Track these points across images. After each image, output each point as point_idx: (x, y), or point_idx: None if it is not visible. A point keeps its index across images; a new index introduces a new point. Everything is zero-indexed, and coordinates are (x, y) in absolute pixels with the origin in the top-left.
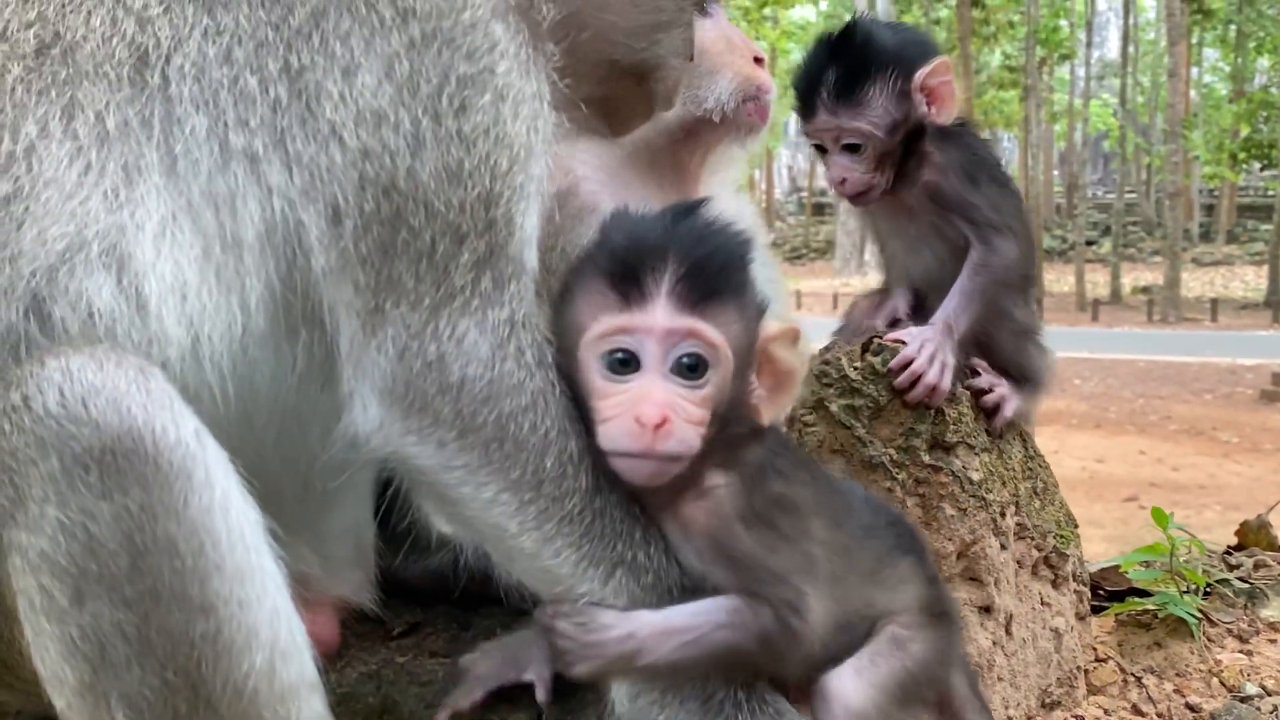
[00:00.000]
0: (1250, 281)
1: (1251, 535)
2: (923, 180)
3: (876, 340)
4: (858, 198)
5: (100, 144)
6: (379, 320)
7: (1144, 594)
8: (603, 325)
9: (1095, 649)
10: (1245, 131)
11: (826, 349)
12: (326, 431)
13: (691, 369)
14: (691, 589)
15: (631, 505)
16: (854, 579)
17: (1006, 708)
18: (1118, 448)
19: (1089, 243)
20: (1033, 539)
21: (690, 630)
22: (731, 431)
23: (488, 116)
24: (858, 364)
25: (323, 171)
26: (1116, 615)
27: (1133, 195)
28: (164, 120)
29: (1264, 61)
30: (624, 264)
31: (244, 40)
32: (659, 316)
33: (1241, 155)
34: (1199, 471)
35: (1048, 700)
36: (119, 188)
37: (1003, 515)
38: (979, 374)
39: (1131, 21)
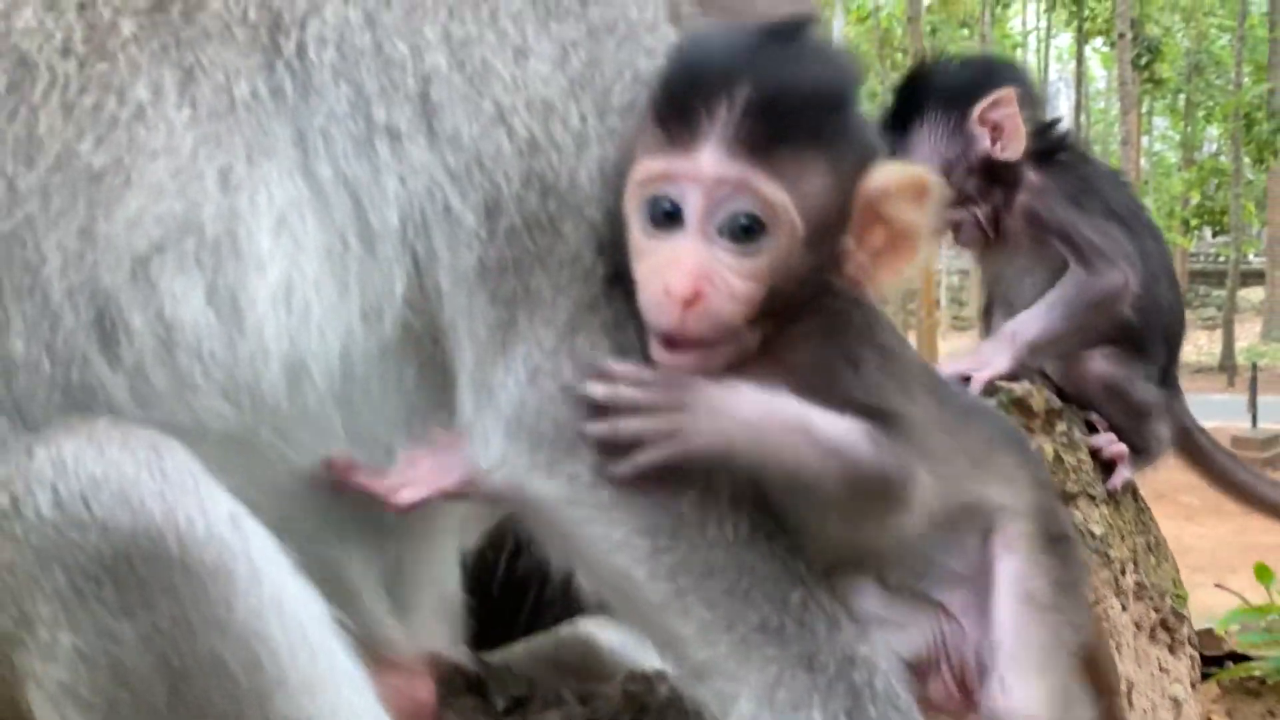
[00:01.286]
0: (1203, 346)
1: None
2: (1020, 207)
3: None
4: (954, 239)
5: (222, 114)
6: (511, 337)
7: (1243, 658)
8: (644, 168)
9: (1210, 717)
10: (1196, 199)
11: None
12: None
13: (745, 231)
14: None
15: (795, 561)
16: (961, 462)
17: None
18: None
19: None
20: (1151, 599)
21: (823, 432)
22: (811, 305)
23: None
24: None
25: (486, 158)
26: (1220, 681)
27: None
28: (299, 90)
29: (1213, 130)
30: (677, 91)
31: (392, 3)
32: (705, 161)
33: (1193, 222)
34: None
35: None
36: (236, 166)
37: (1123, 573)
38: (1097, 430)
39: (1083, 91)
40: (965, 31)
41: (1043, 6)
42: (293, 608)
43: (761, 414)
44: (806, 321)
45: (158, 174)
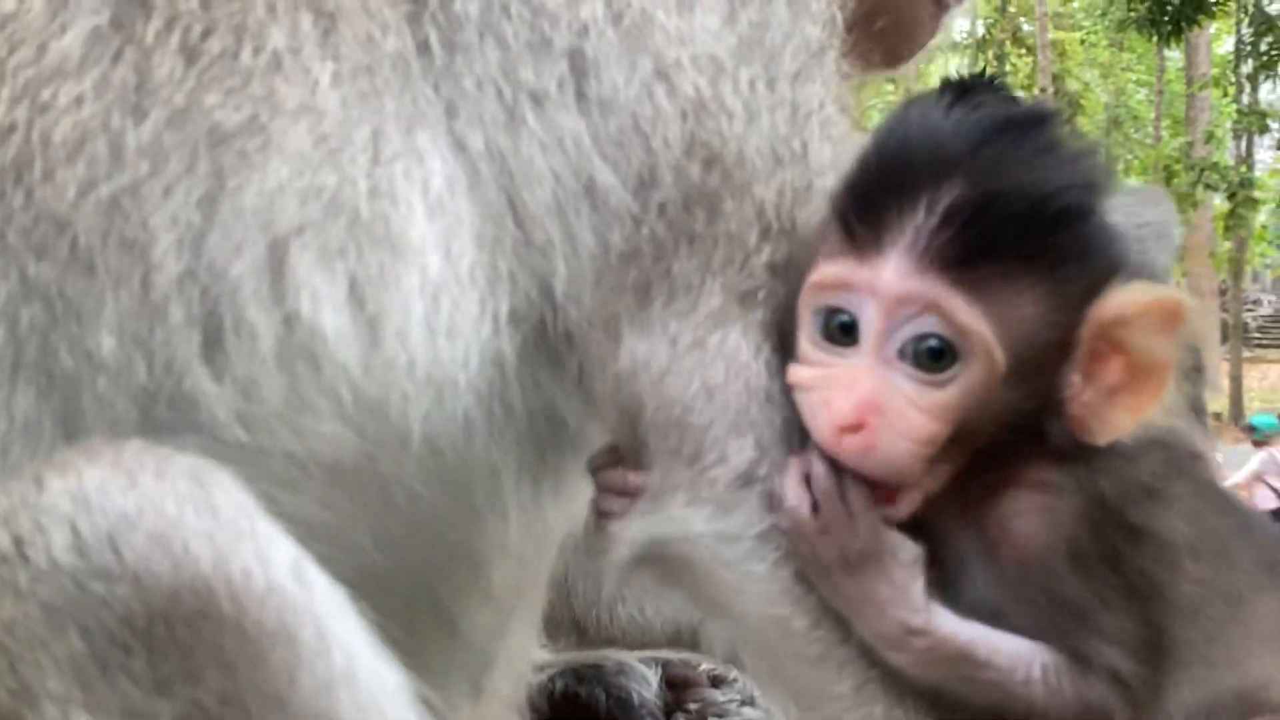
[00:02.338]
0: None
1: None
2: None
3: None
4: None
5: (368, 70)
6: (644, 325)
7: None
8: (822, 272)
9: None
10: None
11: None
12: (539, 505)
13: (933, 357)
14: None
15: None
16: (1239, 638)
17: None
18: None
19: None
20: None
21: (991, 663)
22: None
23: (822, 93)
24: None
25: (642, 120)
26: None
27: None
28: (445, 46)
29: (1133, 181)
30: (869, 182)
31: None
32: (889, 274)
33: None
34: None
35: None
36: (389, 132)
37: None
38: None
39: None
40: (890, 86)
41: (966, 61)
42: (367, 682)
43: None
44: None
45: (300, 138)
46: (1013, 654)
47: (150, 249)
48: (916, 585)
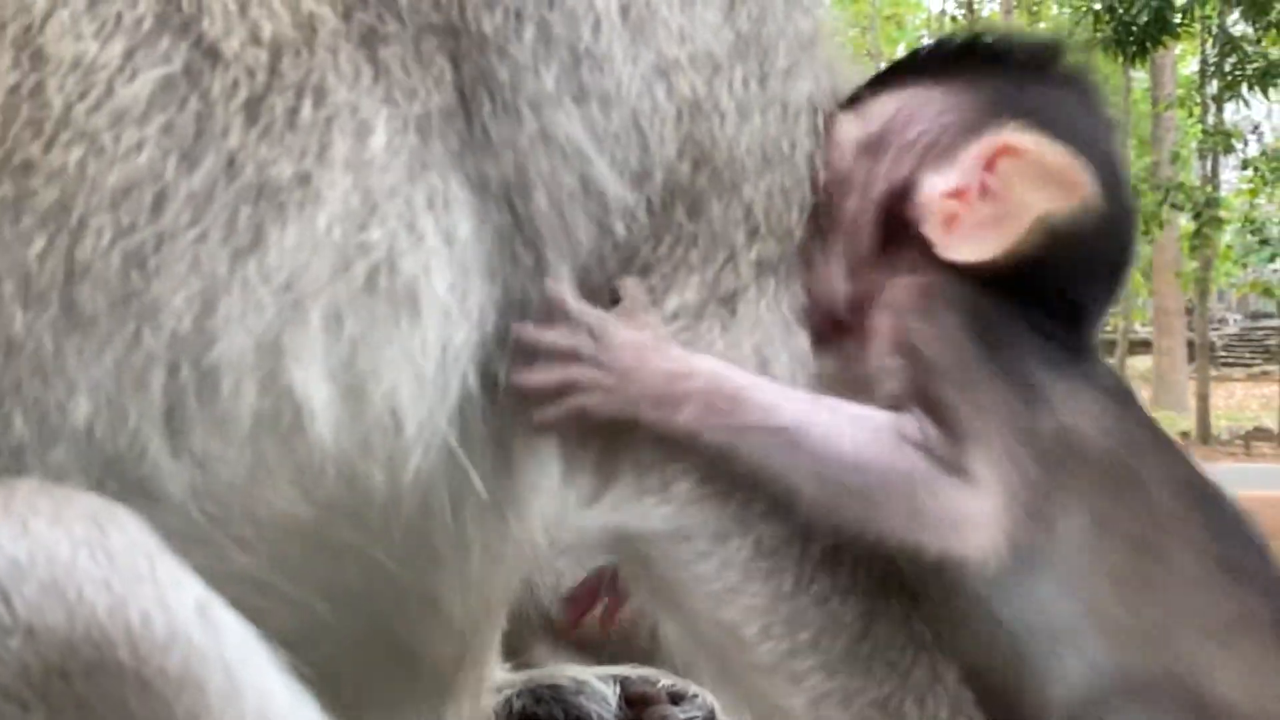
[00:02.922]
0: None
1: None
2: None
3: None
4: None
5: (414, 124)
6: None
7: None
8: None
9: None
10: None
11: None
12: (504, 536)
13: None
14: None
15: (919, 627)
16: (1167, 614)
17: None
18: None
19: None
20: None
21: (790, 413)
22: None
23: (813, 90)
24: None
25: (641, 116)
26: None
27: None
28: (482, 88)
29: None
30: None
31: None
32: None
33: None
34: None
35: None
36: (426, 186)
37: None
38: None
39: None
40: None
41: None
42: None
43: (673, 378)
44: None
45: (344, 193)
46: (808, 408)
47: (159, 305)
48: (667, 337)
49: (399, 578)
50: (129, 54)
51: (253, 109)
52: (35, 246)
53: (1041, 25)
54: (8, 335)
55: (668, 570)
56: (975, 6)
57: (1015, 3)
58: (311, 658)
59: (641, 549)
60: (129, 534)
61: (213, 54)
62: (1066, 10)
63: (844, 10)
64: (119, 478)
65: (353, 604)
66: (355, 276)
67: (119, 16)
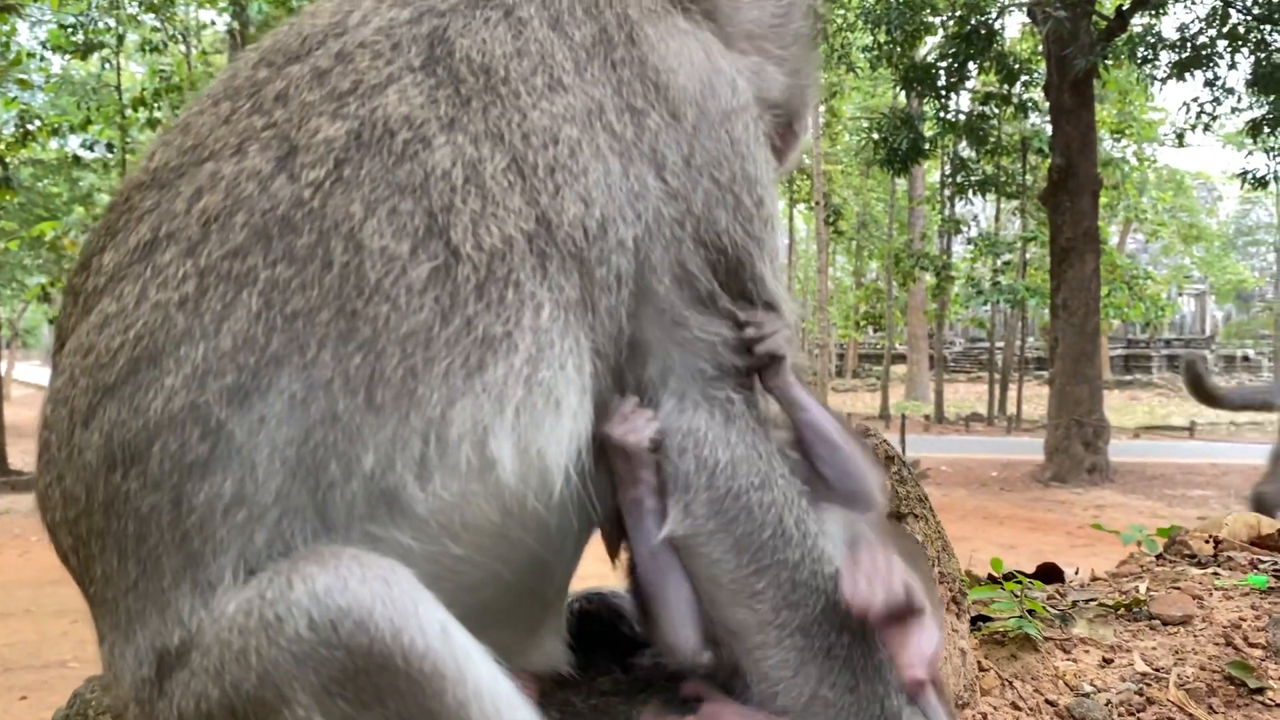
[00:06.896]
0: (868, 402)
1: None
2: None
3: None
4: None
5: (566, 297)
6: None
7: (988, 619)
8: None
9: (979, 662)
10: (863, 308)
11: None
12: (585, 526)
13: None
14: None
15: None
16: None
17: None
18: None
19: None
20: (948, 584)
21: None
22: None
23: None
24: None
25: (703, 224)
26: (981, 636)
27: None
28: (589, 272)
29: (874, 264)
30: None
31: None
32: None
33: (861, 323)
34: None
35: (959, 702)
36: (570, 337)
37: (934, 565)
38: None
39: (792, 239)
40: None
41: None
42: (491, 693)
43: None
44: None
45: (526, 346)
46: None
47: (421, 401)
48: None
49: (540, 554)
50: (414, 250)
51: (480, 290)
52: (354, 362)
53: (839, 147)
54: (334, 412)
55: (694, 557)
56: None
57: (821, 131)
58: (486, 599)
59: (682, 542)
60: (403, 586)
61: (456, 254)
62: (856, 137)
63: None
64: (388, 501)
65: (517, 569)
66: (531, 392)
67: (404, 225)
